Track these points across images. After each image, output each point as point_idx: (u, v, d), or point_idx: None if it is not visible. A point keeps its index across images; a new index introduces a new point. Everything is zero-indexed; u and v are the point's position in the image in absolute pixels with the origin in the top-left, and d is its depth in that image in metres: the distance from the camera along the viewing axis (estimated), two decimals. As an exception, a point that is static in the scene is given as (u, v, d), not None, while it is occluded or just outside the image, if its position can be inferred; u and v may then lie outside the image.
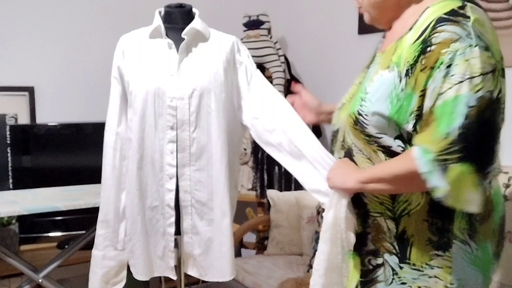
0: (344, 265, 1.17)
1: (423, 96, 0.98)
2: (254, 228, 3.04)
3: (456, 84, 0.92)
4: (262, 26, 3.08)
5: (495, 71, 0.94)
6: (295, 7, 3.43)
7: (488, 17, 1.01)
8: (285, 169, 1.62)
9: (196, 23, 1.62)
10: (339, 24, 3.08)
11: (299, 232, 2.73)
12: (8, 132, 2.58)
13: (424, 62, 0.97)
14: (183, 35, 1.60)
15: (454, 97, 0.92)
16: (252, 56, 3.11)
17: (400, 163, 1.01)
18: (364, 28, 2.88)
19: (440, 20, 0.97)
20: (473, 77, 0.92)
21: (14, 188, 2.52)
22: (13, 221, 2.46)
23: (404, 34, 1.06)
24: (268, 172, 3.08)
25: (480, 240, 1.05)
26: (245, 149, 3.11)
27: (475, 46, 0.93)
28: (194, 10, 1.69)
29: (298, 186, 3.08)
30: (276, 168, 3.06)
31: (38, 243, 2.64)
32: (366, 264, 1.14)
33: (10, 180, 2.56)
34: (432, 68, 0.96)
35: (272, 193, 2.86)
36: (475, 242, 1.04)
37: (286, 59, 3.21)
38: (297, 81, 3.23)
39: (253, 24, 3.09)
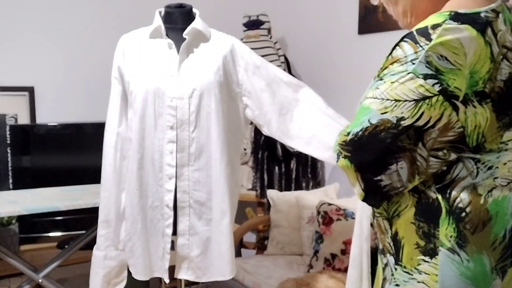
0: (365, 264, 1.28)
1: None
2: (254, 228, 3.04)
3: (372, 98, 0.99)
4: (262, 26, 3.08)
5: (423, 101, 0.95)
6: (295, 7, 3.43)
7: (488, 37, 0.97)
8: (285, 169, 1.63)
9: (197, 23, 1.62)
10: (339, 24, 3.08)
11: (299, 232, 2.73)
12: (8, 132, 2.58)
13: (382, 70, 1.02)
14: (184, 35, 1.60)
15: (366, 107, 0.99)
16: (252, 56, 3.10)
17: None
18: (364, 28, 2.88)
19: (408, 35, 0.98)
20: (387, 99, 0.97)
21: (14, 188, 2.52)
22: (13, 221, 2.46)
23: None
24: (268, 172, 3.08)
25: (472, 251, 1.01)
26: (245, 149, 3.11)
27: (409, 73, 0.95)
28: (194, 10, 1.69)
29: (298, 186, 3.09)
30: (276, 168, 3.06)
31: (38, 243, 2.64)
32: (383, 262, 1.15)
33: (10, 180, 2.56)
34: (376, 77, 1.02)
35: (272, 193, 2.86)
36: (465, 253, 1.01)
37: (286, 59, 3.21)
38: (297, 81, 3.22)
39: (253, 24, 3.09)
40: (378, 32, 2.77)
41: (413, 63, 0.95)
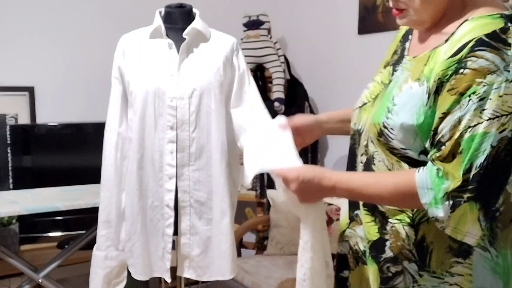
0: (326, 272, 1.19)
1: (443, 118, 0.96)
2: (253, 228, 3.04)
3: (487, 120, 0.91)
4: (262, 26, 3.08)
5: None
6: (295, 7, 3.43)
7: None
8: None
9: (197, 23, 1.62)
10: (339, 24, 3.08)
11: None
12: (8, 132, 2.58)
13: (454, 83, 0.94)
14: (184, 35, 1.60)
15: (482, 133, 0.91)
16: (252, 56, 3.13)
17: (398, 185, 1.02)
18: (364, 28, 2.88)
19: (480, 43, 0.93)
20: (502, 115, 0.91)
21: (14, 188, 2.52)
22: (13, 221, 2.46)
23: (439, 46, 1.01)
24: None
25: (500, 246, 1.02)
26: (245, 149, 3.11)
27: (511, 81, 0.91)
28: (194, 10, 1.69)
29: (298, 186, 3.08)
30: (276, 168, 3.06)
31: (38, 243, 2.63)
32: (385, 271, 1.11)
33: (10, 180, 2.56)
34: (461, 94, 0.93)
35: (272, 193, 2.86)
36: (495, 249, 1.02)
37: (286, 59, 3.21)
38: (297, 81, 3.23)
39: (253, 24, 3.09)
40: (378, 32, 2.77)
41: (508, 70, 0.91)
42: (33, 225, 2.61)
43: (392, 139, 1.04)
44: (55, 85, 2.83)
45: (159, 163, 1.59)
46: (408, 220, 1.06)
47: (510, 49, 0.92)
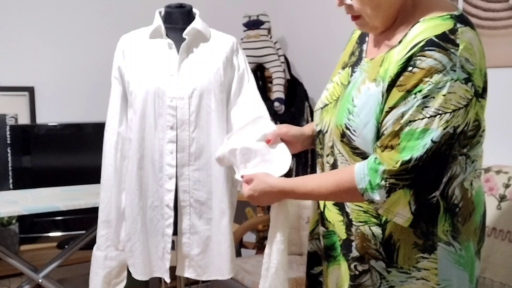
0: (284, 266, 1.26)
1: (388, 112, 1.01)
2: (254, 228, 3.04)
3: (428, 117, 0.96)
4: (262, 26, 3.08)
5: (469, 104, 0.97)
6: (295, 7, 3.43)
7: (477, 33, 1.01)
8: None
9: (197, 23, 1.62)
10: (339, 24, 3.07)
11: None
12: (8, 132, 2.58)
13: (402, 80, 0.98)
14: (184, 35, 1.60)
15: (423, 129, 0.96)
16: (252, 56, 3.13)
17: (340, 179, 1.08)
18: (364, 28, 2.88)
19: (429, 43, 0.96)
20: (445, 112, 0.95)
21: (14, 188, 2.52)
22: (13, 221, 2.46)
23: (393, 48, 1.06)
24: (268, 172, 3.07)
25: (463, 240, 1.07)
26: (245, 149, 3.11)
27: (456, 81, 0.95)
28: (194, 10, 1.69)
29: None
30: (276, 168, 3.06)
31: (38, 243, 2.64)
32: (352, 269, 1.15)
33: (10, 180, 2.56)
34: (409, 91, 0.98)
35: (272, 193, 2.85)
36: (458, 243, 1.06)
37: (286, 59, 3.21)
38: (297, 81, 3.23)
39: (253, 24, 3.09)
40: (378, 32, 2.77)
41: (454, 70, 0.95)
42: (33, 225, 2.61)
43: (354, 140, 1.08)
44: (55, 85, 2.83)
45: (159, 163, 1.59)
46: (375, 220, 1.10)
47: (458, 50, 0.95)
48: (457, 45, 0.96)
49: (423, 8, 1.05)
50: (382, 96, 1.03)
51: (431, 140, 0.95)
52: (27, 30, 2.75)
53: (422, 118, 0.96)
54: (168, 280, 1.64)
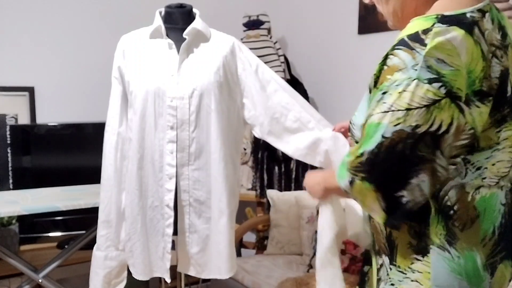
0: (335, 260, 1.37)
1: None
2: (253, 227, 3.04)
3: (382, 112, 0.97)
4: (262, 26, 3.09)
5: (433, 105, 0.95)
6: (295, 7, 3.43)
7: (473, 34, 0.98)
8: (285, 169, 1.64)
9: (197, 23, 1.62)
10: (339, 24, 3.08)
11: (298, 232, 2.74)
12: (8, 132, 2.58)
13: (377, 79, 1.01)
14: (184, 35, 1.60)
15: (376, 123, 0.97)
16: (252, 56, 3.10)
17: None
18: (364, 28, 2.89)
19: (400, 42, 0.98)
20: (397, 110, 0.95)
21: (14, 188, 2.52)
22: (13, 221, 2.47)
23: None
24: (268, 172, 3.08)
25: (462, 247, 1.03)
26: (245, 149, 3.11)
27: (414, 80, 0.94)
28: (194, 10, 1.69)
29: (298, 186, 3.09)
30: (276, 168, 3.06)
31: (38, 243, 2.64)
32: (377, 263, 1.16)
33: (10, 180, 2.57)
34: (377, 88, 1.01)
35: (272, 193, 2.86)
36: (455, 249, 1.02)
37: (286, 59, 3.21)
38: (297, 81, 3.23)
39: (253, 24, 3.09)
40: (378, 32, 2.77)
41: (415, 69, 0.95)
42: (33, 225, 2.61)
43: (355, 135, 1.13)
44: (55, 85, 2.83)
45: (159, 163, 1.59)
46: None
47: (424, 49, 0.95)
48: (425, 45, 0.95)
49: (437, 6, 1.05)
50: (370, 92, 1.07)
51: (382, 135, 0.96)
52: (27, 30, 2.75)
53: (378, 113, 0.98)
54: (168, 280, 1.64)
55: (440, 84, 0.95)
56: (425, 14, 1.02)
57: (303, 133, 1.61)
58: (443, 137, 0.96)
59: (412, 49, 0.96)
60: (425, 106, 0.95)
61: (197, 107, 1.58)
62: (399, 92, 0.95)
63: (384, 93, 0.97)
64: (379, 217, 1.02)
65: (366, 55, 2.86)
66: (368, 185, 0.99)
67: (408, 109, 0.95)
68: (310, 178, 1.34)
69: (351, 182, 1.01)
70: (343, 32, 3.04)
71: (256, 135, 1.68)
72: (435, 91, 0.95)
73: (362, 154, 0.98)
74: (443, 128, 0.96)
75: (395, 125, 0.95)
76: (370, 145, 0.97)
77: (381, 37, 2.73)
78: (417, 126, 0.95)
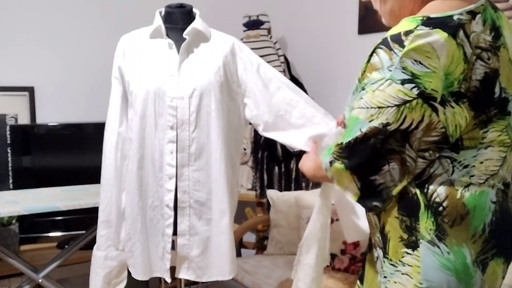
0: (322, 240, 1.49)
1: None
2: (253, 228, 3.04)
3: (359, 108, 1.05)
4: (262, 26, 3.09)
5: (404, 105, 0.99)
6: (295, 7, 3.44)
7: (456, 37, 0.99)
8: (285, 169, 1.65)
9: (197, 23, 1.62)
10: (339, 24, 3.08)
11: (298, 232, 2.73)
12: (8, 132, 2.58)
13: (364, 73, 1.08)
14: (184, 35, 1.60)
15: (355, 117, 1.06)
16: (252, 56, 3.10)
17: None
18: (364, 28, 2.89)
19: (383, 42, 1.03)
20: (371, 107, 1.02)
21: (14, 188, 2.52)
22: (13, 221, 2.46)
23: None
24: (268, 172, 3.08)
25: (452, 243, 1.04)
26: (245, 149, 3.11)
27: (387, 80, 1.00)
28: (194, 10, 1.69)
29: (298, 186, 3.09)
30: (276, 168, 3.07)
31: (38, 243, 2.64)
32: (374, 256, 1.19)
33: (10, 180, 2.56)
34: (360, 83, 1.09)
35: (271, 193, 2.86)
36: (445, 245, 1.04)
37: (286, 59, 3.22)
38: (297, 81, 3.23)
39: (253, 24, 3.09)
40: (378, 32, 2.77)
41: (390, 70, 1.00)
42: (33, 225, 2.61)
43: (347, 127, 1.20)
44: (55, 85, 2.83)
45: (159, 163, 1.59)
46: None
47: (402, 51, 0.99)
48: (403, 46, 0.99)
49: (427, 8, 1.07)
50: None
51: (359, 129, 1.04)
52: (27, 30, 2.75)
53: (357, 108, 1.06)
54: (169, 280, 1.64)
55: (413, 85, 0.99)
56: (414, 15, 1.05)
57: (308, 128, 1.61)
58: (413, 133, 1.02)
59: (391, 49, 1.01)
60: (396, 105, 1.00)
61: (197, 107, 1.58)
62: (373, 91, 1.02)
63: (362, 89, 1.05)
64: (354, 195, 1.10)
65: (366, 55, 2.86)
66: (345, 168, 1.08)
67: (380, 107, 1.02)
68: (304, 161, 1.41)
69: (331, 163, 1.10)
70: (343, 32, 3.04)
71: (261, 134, 1.69)
72: (407, 91, 0.99)
73: (342, 144, 1.08)
74: (413, 126, 1.02)
75: (370, 121, 1.03)
76: (349, 137, 1.06)
77: (381, 37, 2.73)
78: (387, 124, 1.01)
